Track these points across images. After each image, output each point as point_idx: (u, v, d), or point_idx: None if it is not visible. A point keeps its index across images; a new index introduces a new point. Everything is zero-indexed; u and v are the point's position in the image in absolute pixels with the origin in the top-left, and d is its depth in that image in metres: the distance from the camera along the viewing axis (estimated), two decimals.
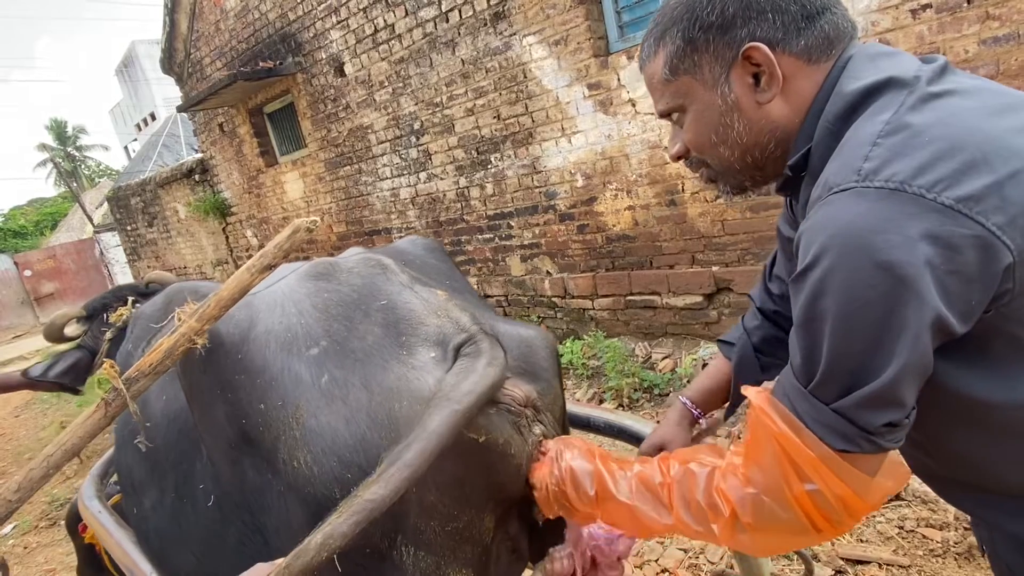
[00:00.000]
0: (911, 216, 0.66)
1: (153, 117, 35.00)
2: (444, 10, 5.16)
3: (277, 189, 8.15)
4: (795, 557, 2.32)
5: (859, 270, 0.68)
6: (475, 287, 4.73)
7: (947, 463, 0.88)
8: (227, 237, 9.70)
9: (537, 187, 5.07)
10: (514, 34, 4.74)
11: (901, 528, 2.42)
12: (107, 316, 2.24)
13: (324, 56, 6.49)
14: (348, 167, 6.81)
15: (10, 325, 18.13)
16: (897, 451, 0.81)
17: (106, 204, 16.35)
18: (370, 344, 1.10)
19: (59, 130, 46.92)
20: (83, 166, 47.83)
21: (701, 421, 1.24)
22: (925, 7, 3.02)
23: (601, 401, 4.24)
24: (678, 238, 4.30)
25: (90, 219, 21.37)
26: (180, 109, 8.79)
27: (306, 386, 1.05)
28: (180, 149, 19.78)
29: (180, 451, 1.28)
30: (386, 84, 5.95)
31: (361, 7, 5.84)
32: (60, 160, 40.51)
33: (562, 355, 4.58)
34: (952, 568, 2.20)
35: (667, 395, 4.02)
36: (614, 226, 4.66)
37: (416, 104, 5.74)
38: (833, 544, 2.37)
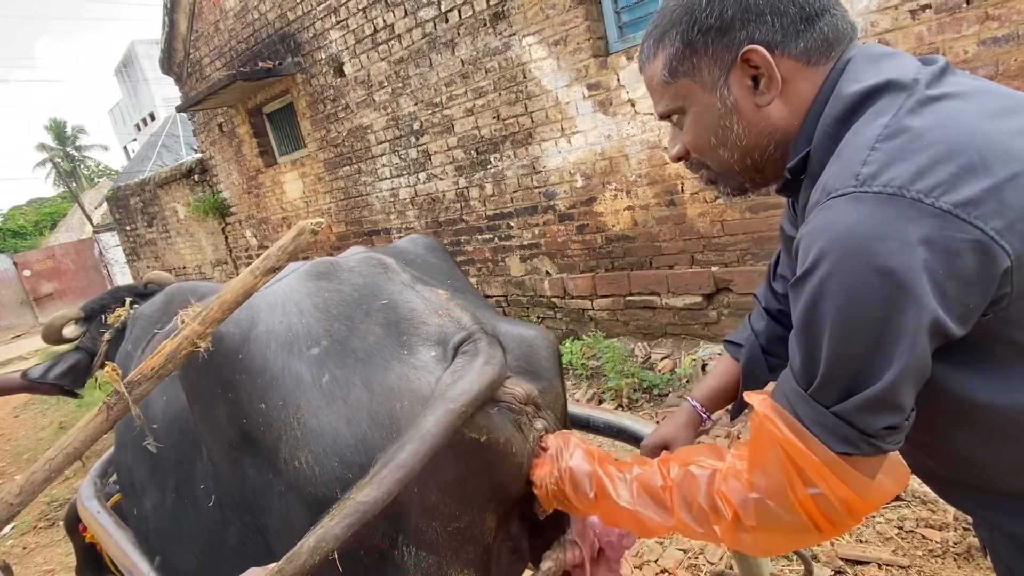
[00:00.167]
0: (909, 221, 0.66)
1: (152, 117, 34.95)
2: (444, 10, 5.16)
3: (276, 189, 8.15)
4: (794, 557, 2.32)
5: (858, 275, 0.68)
6: (474, 287, 4.71)
7: (947, 463, 0.88)
8: (226, 237, 9.70)
9: (537, 187, 5.07)
10: (514, 34, 4.74)
11: (900, 528, 2.42)
12: (105, 317, 2.23)
13: (323, 56, 6.49)
14: (347, 167, 6.81)
15: (9, 325, 18.12)
16: (897, 452, 0.81)
17: (105, 204, 16.35)
18: (371, 344, 1.10)
19: (58, 130, 46.87)
20: (82, 166, 47.80)
21: (708, 423, 1.24)
22: (924, 8, 3.02)
23: (600, 401, 4.24)
24: (677, 238, 4.30)
25: (89, 219, 21.37)
26: (179, 109, 8.79)
27: (307, 386, 1.05)
28: (179, 149, 19.75)
29: (181, 451, 1.28)
30: (385, 84, 5.94)
31: (361, 7, 5.84)
32: (59, 160, 40.47)
33: (562, 355, 4.56)
34: (951, 568, 2.20)
35: (666, 395, 4.02)
36: (613, 226, 4.66)
37: (416, 104, 5.74)
38: (832, 544, 2.37)
